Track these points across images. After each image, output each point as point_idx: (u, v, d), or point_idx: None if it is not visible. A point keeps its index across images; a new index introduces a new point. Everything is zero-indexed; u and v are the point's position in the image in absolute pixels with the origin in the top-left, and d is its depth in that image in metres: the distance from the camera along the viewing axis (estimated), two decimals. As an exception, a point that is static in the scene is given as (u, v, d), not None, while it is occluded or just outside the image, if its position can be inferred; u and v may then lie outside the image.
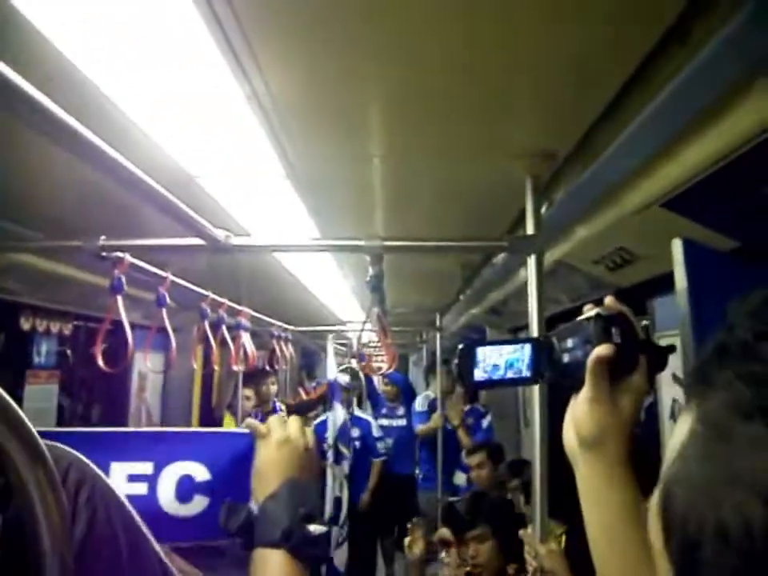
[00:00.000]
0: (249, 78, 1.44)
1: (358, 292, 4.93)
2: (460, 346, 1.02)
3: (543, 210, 2.12)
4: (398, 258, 3.23)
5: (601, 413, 0.90)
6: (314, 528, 1.05)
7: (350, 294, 5.18)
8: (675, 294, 2.08)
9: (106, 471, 1.24)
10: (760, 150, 1.48)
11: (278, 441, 1.17)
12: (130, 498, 1.25)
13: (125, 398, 4.57)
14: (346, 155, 2.00)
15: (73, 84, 1.37)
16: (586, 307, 0.95)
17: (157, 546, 0.93)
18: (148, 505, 1.30)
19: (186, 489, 1.34)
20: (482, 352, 1.01)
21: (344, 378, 6.17)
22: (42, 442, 0.63)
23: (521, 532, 2.08)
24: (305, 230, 2.73)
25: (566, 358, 0.98)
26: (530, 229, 1.99)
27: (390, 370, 5.92)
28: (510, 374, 1.01)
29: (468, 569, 3.17)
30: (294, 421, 1.23)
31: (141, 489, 1.30)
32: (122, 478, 1.30)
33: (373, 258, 2.02)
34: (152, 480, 1.36)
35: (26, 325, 3.54)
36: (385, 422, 6.71)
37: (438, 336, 5.71)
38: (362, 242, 1.97)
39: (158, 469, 1.39)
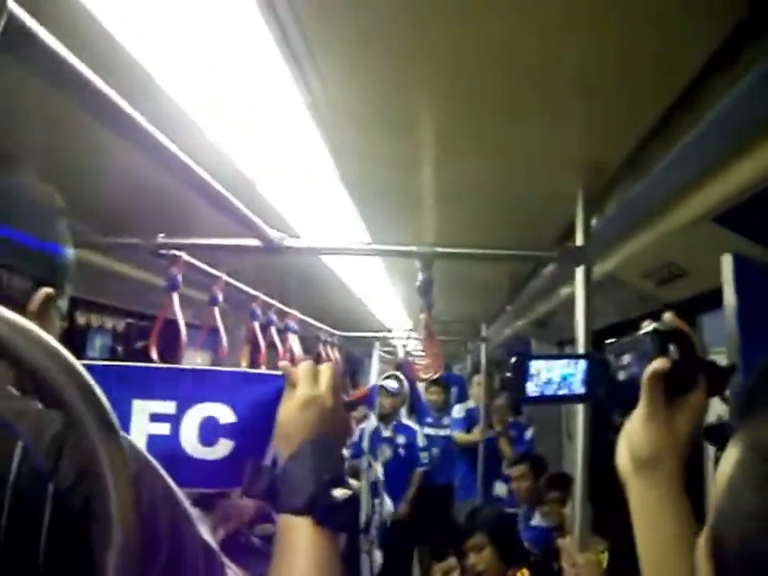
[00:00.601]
0: (308, 83, 1.47)
1: (406, 300, 4.96)
2: (512, 359, 0.99)
3: (593, 222, 2.13)
4: (445, 266, 3.25)
5: (656, 431, 0.86)
6: (340, 493, 0.98)
7: (397, 302, 5.20)
8: (723, 310, 2.07)
9: (128, 408, 1.23)
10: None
11: (305, 397, 1.10)
12: (152, 438, 1.23)
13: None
14: (398, 161, 2.03)
15: (136, 80, 1.41)
16: (644, 323, 0.92)
17: (205, 534, 0.91)
18: (170, 446, 1.23)
19: (210, 431, 1.26)
20: (535, 366, 0.98)
21: (391, 384, 6.18)
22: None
23: (559, 541, 2.09)
24: (355, 235, 2.77)
25: (620, 376, 0.95)
26: (579, 240, 2.00)
27: (437, 374, 5.93)
28: (562, 390, 0.98)
29: None
30: (326, 371, 1.15)
31: (163, 429, 1.21)
32: (144, 417, 1.24)
33: (423, 263, 2.05)
34: (175, 420, 1.29)
35: (81, 319, 3.64)
36: (430, 431, 6.66)
37: (482, 347, 5.70)
38: (413, 248, 2.01)
39: (182, 409, 1.31)
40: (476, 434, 5.94)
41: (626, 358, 0.94)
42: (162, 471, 0.88)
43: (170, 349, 2.58)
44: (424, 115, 1.74)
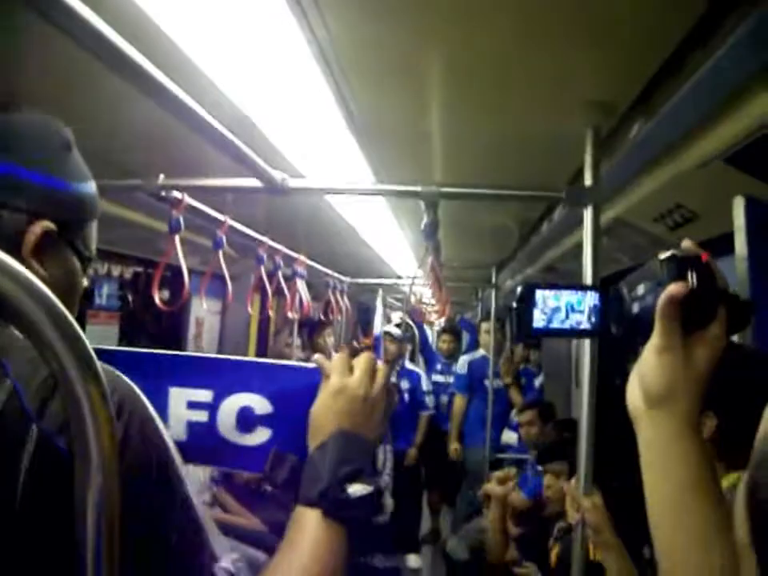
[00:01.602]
0: (310, 22, 1.44)
1: (414, 245, 4.92)
2: (520, 287, 0.94)
3: (603, 164, 2.09)
4: (454, 209, 3.21)
5: (671, 364, 0.80)
6: (356, 489, 0.99)
7: (406, 248, 5.17)
8: (734, 256, 2.03)
9: (165, 395, 1.26)
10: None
11: (335, 387, 1.11)
12: (191, 423, 1.26)
13: (181, 343, 4.67)
14: (405, 101, 1.98)
15: (135, 21, 1.38)
16: (661, 252, 0.85)
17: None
18: (209, 432, 1.27)
19: (247, 420, 1.30)
20: (544, 296, 0.93)
21: (395, 330, 6.20)
22: (97, 362, 0.64)
23: (564, 485, 2.10)
24: (361, 176, 2.72)
25: (635, 308, 0.88)
26: (587, 181, 1.96)
27: (443, 318, 5.92)
28: (572, 324, 0.93)
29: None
30: (363, 362, 1.15)
31: (201, 416, 1.28)
32: (181, 404, 1.27)
33: (428, 205, 2.01)
34: (212, 409, 1.32)
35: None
36: (440, 378, 6.71)
37: (493, 293, 5.68)
38: (418, 188, 1.97)
39: (218, 398, 1.34)
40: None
41: (641, 289, 0.87)
42: (151, 411, 0.87)
43: (179, 295, 2.58)
44: (430, 54, 1.69)
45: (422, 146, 2.42)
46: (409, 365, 6.35)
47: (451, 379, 6.62)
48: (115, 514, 0.64)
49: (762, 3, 1.22)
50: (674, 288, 0.79)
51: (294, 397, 1.30)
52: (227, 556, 0.91)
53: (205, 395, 1.33)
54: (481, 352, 6.27)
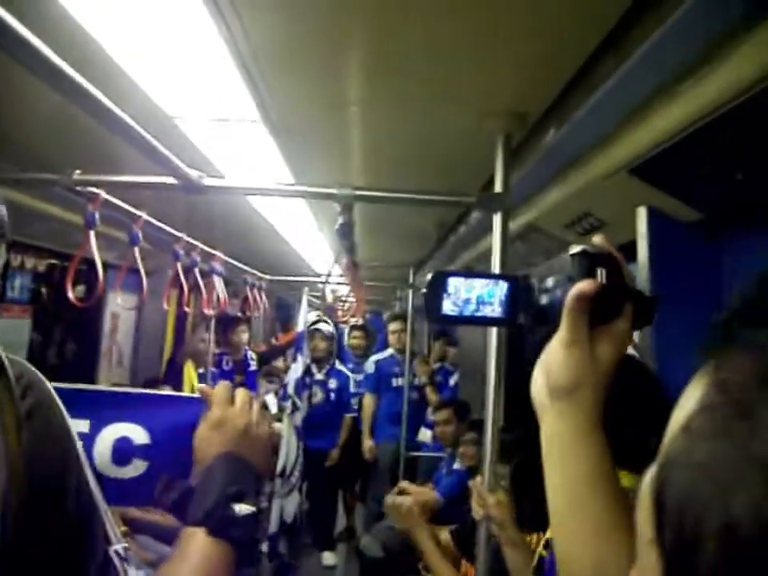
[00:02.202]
0: (226, 19, 1.45)
1: (334, 244, 4.95)
2: (430, 275, 0.92)
3: (515, 171, 2.15)
4: (372, 210, 3.25)
5: (577, 358, 0.80)
6: (240, 508, 1.03)
7: (325, 247, 5.20)
8: (637, 263, 2.11)
9: None
10: (727, 120, 1.52)
11: (217, 417, 1.16)
12: None
13: (97, 338, 4.59)
14: (323, 101, 2.01)
15: (53, 17, 1.38)
16: (572, 246, 0.85)
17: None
18: None
19: (123, 452, 1.27)
20: (454, 283, 0.91)
21: (327, 327, 6.18)
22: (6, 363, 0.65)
23: (470, 482, 2.15)
24: (281, 178, 2.74)
25: (543, 300, 0.88)
26: (498, 187, 2.01)
27: (358, 318, 5.93)
28: (482, 312, 0.91)
29: None
30: (242, 394, 1.22)
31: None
32: None
33: (343, 206, 2.05)
34: (88, 439, 1.30)
35: (-1, 258, 3.55)
36: (356, 376, 6.70)
37: (410, 293, 5.73)
38: (333, 190, 2.00)
39: (96, 428, 1.33)
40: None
41: (550, 282, 0.87)
42: (55, 396, 0.88)
43: (91, 297, 2.57)
44: (347, 55, 1.72)
45: (340, 148, 2.45)
46: (338, 365, 6.33)
47: (360, 377, 6.60)
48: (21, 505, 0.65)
49: (671, 16, 1.27)
50: (584, 285, 0.79)
51: (175, 427, 1.30)
52: (120, 543, 0.92)
53: (82, 425, 1.31)
54: (389, 351, 6.28)
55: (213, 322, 5.11)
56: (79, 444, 0.90)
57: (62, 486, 0.83)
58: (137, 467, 1.28)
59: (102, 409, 1.29)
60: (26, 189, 2.66)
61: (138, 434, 1.31)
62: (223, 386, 1.22)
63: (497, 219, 1.99)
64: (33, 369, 0.87)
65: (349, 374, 6.34)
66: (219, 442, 1.12)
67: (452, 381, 6.15)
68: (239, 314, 5.80)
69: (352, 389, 6.27)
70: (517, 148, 2.14)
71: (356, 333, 6.93)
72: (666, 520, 0.43)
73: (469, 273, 0.92)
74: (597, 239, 0.85)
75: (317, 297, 7.98)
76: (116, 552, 0.88)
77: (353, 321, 6.53)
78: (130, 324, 4.98)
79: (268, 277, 5.76)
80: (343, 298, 6.73)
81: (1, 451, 0.64)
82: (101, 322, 4.59)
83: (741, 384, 0.43)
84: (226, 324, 5.63)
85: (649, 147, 1.82)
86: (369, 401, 6.12)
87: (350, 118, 2.13)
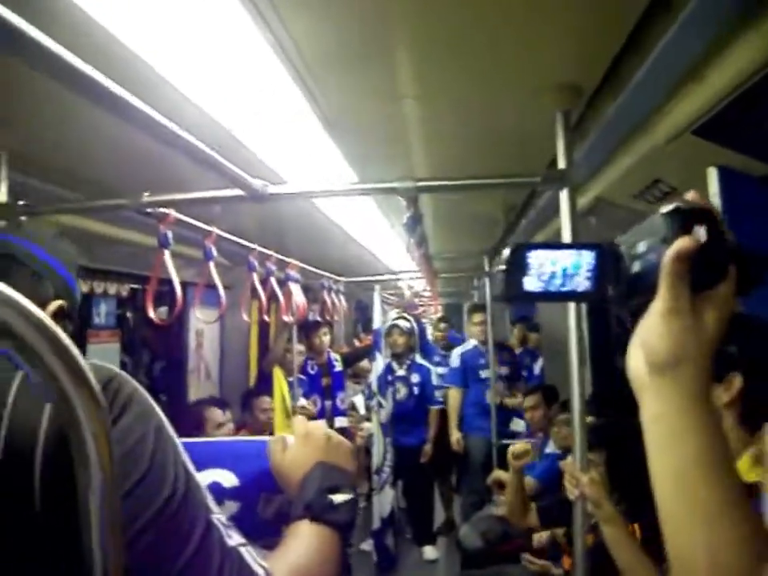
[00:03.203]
0: (270, 25, 1.47)
1: (405, 240, 4.96)
2: (509, 248, 0.86)
3: (577, 146, 2.12)
4: (439, 202, 3.25)
5: (677, 328, 0.72)
6: (337, 497, 1.14)
7: (398, 243, 5.21)
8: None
9: None
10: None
11: (302, 436, 1.29)
12: None
13: (184, 355, 4.70)
14: (377, 97, 2.02)
15: (104, 44, 1.41)
16: (663, 206, 0.76)
17: (186, 458, 0.99)
18: None
19: (215, 494, 1.37)
20: (535, 256, 0.84)
21: (404, 323, 6.20)
22: (85, 364, 0.68)
23: (561, 462, 2.14)
24: (342, 178, 2.76)
25: (635, 267, 0.78)
26: (561, 164, 1.99)
27: (436, 311, 5.94)
28: (567, 286, 0.84)
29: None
30: (315, 423, 1.37)
31: None
32: None
33: (408, 200, 2.05)
34: None
35: (83, 287, 3.67)
36: (439, 370, 6.70)
37: (486, 281, 5.70)
38: (395, 184, 2.01)
39: None
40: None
41: (642, 246, 0.77)
42: (158, 412, 0.96)
43: (171, 314, 2.65)
44: (397, 49, 1.73)
45: (398, 142, 2.45)
46: (419, 359, 6.33)
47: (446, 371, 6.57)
48: (117, 512, 0.68)
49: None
50: (682, 243, 0.71)
51: (260, 470, 1.39)
52: (221, 514, 1.00)
53: None
54: (473, 342, 6.25)
55: (295, 329, 5.17)
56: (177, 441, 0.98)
57: (162, 457, 0.91)
58: (229, 508, 1.37)
59: (192, 456, 1.38)
60: (97, 215, 2.74)
61: (227, 479, 1.39)
62: (298, 418, 1.38)
63: (563, 196, 1.97)
64: (120, 372, 0.96)
65: (430, 366, 6.35)
66: (308, 456, 1.24)
67: (537, 367, 6.10)
68: (319, 319, 5.85)
69: (434, 381, 6.26)
70: (577, 123, 2.12)
71: (442, 325, 6.92)
72: None
73: (550, 244, 0.85)
74: (691, 194, 0.76)
75: (394, 294, 8.01)
76: (218, 519, 0.96)
77: (432, 315, 6.53)
78: (214, 339, 5.08)
79: (344, 279, 5.80)
80: (420, 293, 6.73)
81: (95, 472, 0.67)
82: (186, 340, 4.69)
83: None
84: (307, 329, 5.69)
85: (710, 105, 1.78)
86: (454, 393, 6.10)
87: (407, 109, 2.13)
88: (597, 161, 2.52)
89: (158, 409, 0.97)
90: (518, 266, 0.84)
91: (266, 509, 1.28)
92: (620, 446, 2.47)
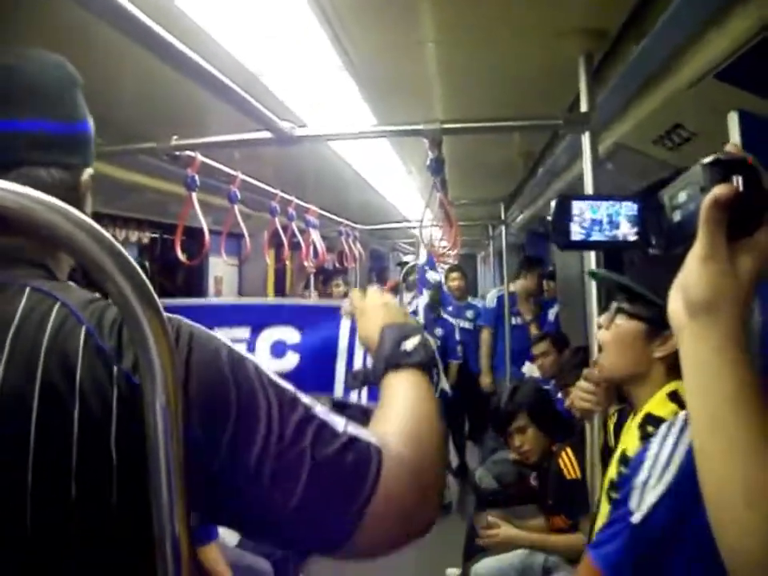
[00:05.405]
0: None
1: (422, 189, 4.97)
2: (555, 200, 0.91)
3: (599, 90, 2.14)
4: (457, 147, 3.26)
5: (715, 273, 0.75)
6: (407, 344, 1.20)
7: (414, 192, 5.22)
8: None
9: None
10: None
11: (362, 308, 1.41)
12: None
13: (203, 302, 4.75)
14: (400, 42, 2.04)
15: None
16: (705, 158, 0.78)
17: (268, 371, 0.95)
18: None
19: (279, 348, 1.53)
20: (580, 207, 0.90)
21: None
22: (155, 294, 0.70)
23: (585, 371, 2.06)
24: (365, 122, 2.76)
25: (676, 216, 0.83)
26: (583, 107, 2.01)
27: (455, 251, 5.91)
28: (610, 235, 0.90)
29: (517, 457, 3.39)
30: (371, 290, 1.47)
31: (241, 348, 1.47)
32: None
33: (432, 142, 2.08)
34: (250, 342, 1.62)
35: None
36: (451, 320, 6.57)
37: (503, 229, 5.70)
38: (420, 126, 2.04)
39: (255, 333, 1.65)
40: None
41: (683, 196, 0.81)
42: (222, 340, 0.96)
43: (197, 254, 2.69)
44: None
45: (421, 85, 2.47)
46: (443, 314, 6.34)
47: (462, 323, 6.57)
48: (179, 432, 0.71)
49: None
50: (719, 190, 0.73)
51: (317, 327, 1.56)
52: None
53: (243, 332, 1.63)
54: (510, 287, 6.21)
55: (312, 277, 5.21)
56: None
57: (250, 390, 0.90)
58: (290, 360, 1.55)
59: (257, 317, 1.57)
60: (129, 163, 2.77)
61: (291, 335, 1.62)
62: (354, 293, 1.49)
63: (585, 140, 1.99)
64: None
65: (453, 322, 6.39)
66: (375, 322, 1.33)
67: (551, 314, 6.11)
68: (337, 266, 5.89)
69: (457, 336, 6.34)
70: (598, 67, 2.13)
71: (454, 274, 6.87)
72: None
73: (594, 196, 0.93)
74: (730, 147, 0.79)
75: (410, 244, 8.00)
76: (318, 413, 0.91)
77: (450, 261, 6.51)
78: (233, 286, 5.14)
79: (360, 226, 5.82)
80: (437, 241, 6.72)
81: (160, 390, 0.70)
82: (205, 286, 4.75)
83: None
84: (325, 277, 5.74)
85: (733, 49, 1.77)
86: (487, 335, 6.19)
87: (429, 55, 2.15)
88: (617, 105, 2.52)
89: (219, 336, 0.96)
90: (564, 217, 0.90)
91: (353, 381, 1.38)
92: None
